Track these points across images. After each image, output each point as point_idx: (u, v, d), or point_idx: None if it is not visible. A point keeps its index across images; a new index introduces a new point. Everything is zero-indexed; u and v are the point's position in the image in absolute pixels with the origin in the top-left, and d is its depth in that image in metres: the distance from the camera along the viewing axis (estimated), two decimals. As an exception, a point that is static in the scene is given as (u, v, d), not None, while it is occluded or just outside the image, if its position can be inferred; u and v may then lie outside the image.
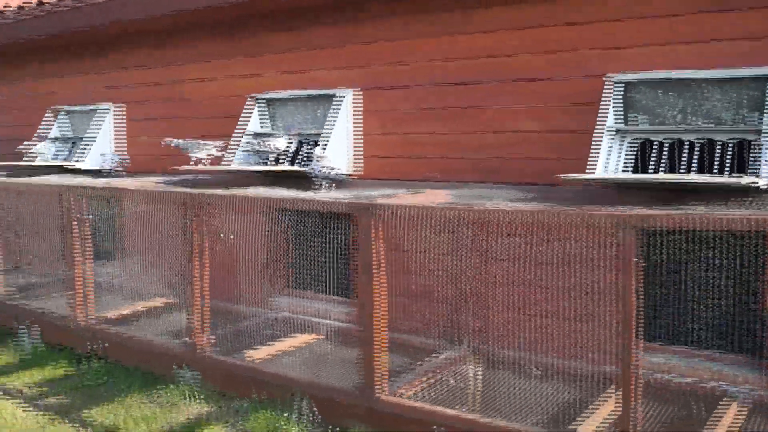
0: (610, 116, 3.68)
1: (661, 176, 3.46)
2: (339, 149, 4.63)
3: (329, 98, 4.75)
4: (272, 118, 5.11)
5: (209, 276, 4.14)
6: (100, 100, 6.25)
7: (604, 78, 3.75)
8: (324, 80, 4.88)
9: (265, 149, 4.63)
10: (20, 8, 6.14)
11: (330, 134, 4.58)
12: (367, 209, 3.43)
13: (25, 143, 6.28)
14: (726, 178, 3.23)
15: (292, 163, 4.78)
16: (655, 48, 3.71)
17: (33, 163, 6.15)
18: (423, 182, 4.38)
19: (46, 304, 5.14)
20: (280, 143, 4.64)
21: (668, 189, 3.35)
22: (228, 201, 4.02)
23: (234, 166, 4.80)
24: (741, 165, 3.38)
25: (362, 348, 3.49)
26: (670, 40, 3.67)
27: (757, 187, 3.11)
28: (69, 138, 6.40)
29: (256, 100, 5.10)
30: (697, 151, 3.52)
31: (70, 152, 6.20)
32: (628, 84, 3.72)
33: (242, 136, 5.00)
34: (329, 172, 4.24)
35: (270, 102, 5.09)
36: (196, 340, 4.15)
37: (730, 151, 3.43)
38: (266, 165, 4.75)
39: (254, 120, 5.05)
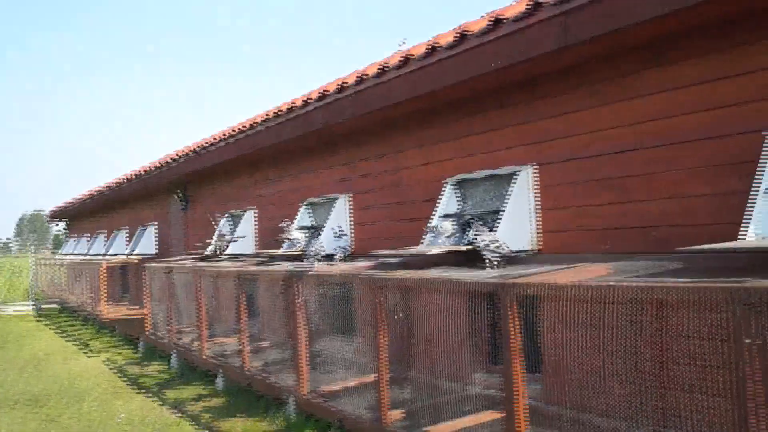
0: (765, 176, 3.24)
1: None
2: (515, 226, 4.60)
3: (508, 176, 4.76)
4: (463, 199, 5.24)
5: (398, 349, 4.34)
6: (335, 191, 6.90)
7: (763, 133, 3.33)
8: (506, 159, 4.91)
9: (437, 231, 4.76)
10: (275, 118, 7.10)
11: (504, 210, 4.59)
12: (502, 288, 3.41)
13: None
14: None
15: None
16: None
17: (287, 251, 6.94)
18: (597, 255, 4.18)
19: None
20: (446, 226, 4.75)
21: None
22: (397, 282, 4.22)
23: (413, 248, 4.98)
24: None
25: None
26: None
27: None
28: (312, 226, 7.12)
29: (448, 183, 5.28)
30: None
31: (310, 239, 6.89)
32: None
33: (435, 218, 5.20)
34: (495, 248, 4.23)
35: (460, 184, 5.24)
36: (381, 415, 4.35)
37: None
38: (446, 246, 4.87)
39: (444, 202, 5.22)
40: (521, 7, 4.08)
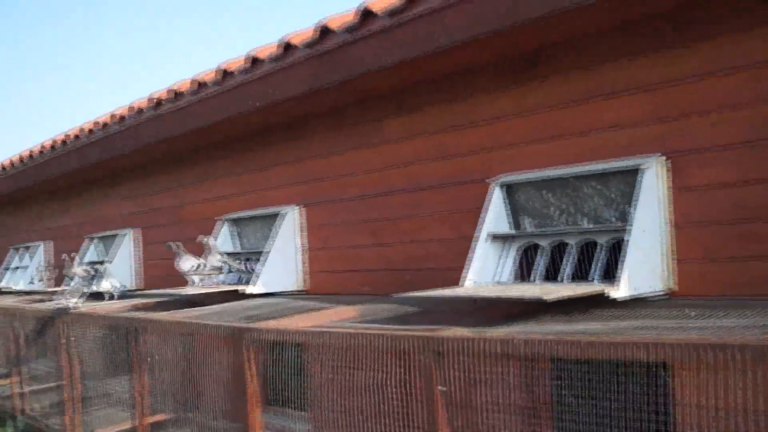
0: (488, 221, 3.34)
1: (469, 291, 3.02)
2: (283, 265, 4.53)
3: (275, 216, 4.68)
4: (239, 236, 5.11)
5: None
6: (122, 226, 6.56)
7: (487, 181, 3.44)
8: (275, 198, 4.83)
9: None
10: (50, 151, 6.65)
11: (270, 251, 4.49)
12: (240, 333, 3.30)
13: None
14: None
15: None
16: (533, 146, 3.37)
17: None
18: (356, 296, 4.16)
19: None
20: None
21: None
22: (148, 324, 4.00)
23: (179, 289, 4.78)
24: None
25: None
26: (550, 136, 3.32)
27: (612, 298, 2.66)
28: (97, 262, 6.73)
29: (224, 220, 5.13)
30: (572, 255, 3.10)
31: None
32: (510, 186, 3.38)
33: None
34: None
35: (235, 222, 5.10)
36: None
37: (603, 253, 2.99)
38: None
39: (221, 239, 5.06)
40: (272, 50, 4.03)
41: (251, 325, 3.32)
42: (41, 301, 5.91)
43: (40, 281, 7.59)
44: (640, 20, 2.92)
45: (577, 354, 1.96)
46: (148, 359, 4.08)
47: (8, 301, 6.48)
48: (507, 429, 2.33)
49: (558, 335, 2.03)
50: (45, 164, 6.81)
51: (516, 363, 2.27)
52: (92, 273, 6.34)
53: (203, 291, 4.49)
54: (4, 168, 7.72)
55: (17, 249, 8.54)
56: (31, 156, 7.00)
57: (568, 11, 2.75)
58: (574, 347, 2.01)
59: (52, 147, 6.53)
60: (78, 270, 6.30)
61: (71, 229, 7.67)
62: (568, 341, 2.05)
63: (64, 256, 6.24)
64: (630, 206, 2.83)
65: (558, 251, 3.21)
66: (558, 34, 3.11)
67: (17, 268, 8.21)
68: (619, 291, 2.60)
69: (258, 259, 4.60)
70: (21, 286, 7.83)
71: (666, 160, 2.86)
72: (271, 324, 3.35)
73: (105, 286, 5.44)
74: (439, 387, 2.46)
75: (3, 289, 7.89)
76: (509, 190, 3.39)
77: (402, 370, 2.57)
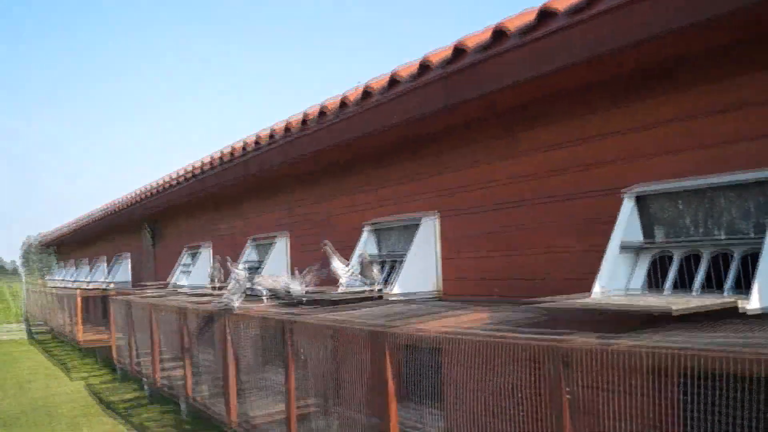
0: (620, 231, 3.26)
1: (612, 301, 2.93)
2: (417, 270, 4.64)
3: (414, 224, 4.79)
4: (379, 242, 5.27)
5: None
6: (275, 231, 6.92)
7: (621, 192, 3.36)
8: (414, 208, 4.96)
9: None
10: (220, 164, 7.14)
11: (407, 256, 4.62)
12: (381, 336, 3.43)
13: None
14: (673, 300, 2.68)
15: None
16: (664, 157, 3.27)
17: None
18: (487, 301, 4.19)
19: None
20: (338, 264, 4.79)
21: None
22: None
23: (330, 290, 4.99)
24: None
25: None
26: (684, 147, 3.21)
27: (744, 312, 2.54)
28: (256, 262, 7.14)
29: (366, 228, 5.31)
30: (704, 265, 2.97)
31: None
32: (644, 197, 3.29)
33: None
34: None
35: (376, 229, 5.27)
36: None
37: (737, 264, 2.85)
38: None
39: (362, 245, 5.24)
40: (413, 68, 4.14)
41: (391, 329, 3.42)
42: (209, 299, 6.35)
43: (210, 280, 8.10)
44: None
45: (701, 367, 1.91)
46: (300, 356, 4.31)
47: (182, 299, 7.02)
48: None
49: (682, 348, 1.98)
50: (214, 176, 7.33)
51: (641, 374, 2.22)
52: (249, 274, 6.74)
53: (347, 294, 4.68)
54: (179, 178, 8.37)
55: (189, 248, 9.21)
56: (202, 168, 7.56)
57: (700, 25, 2.67)
58: (699, 361, 1.95)
59: (216, 161, 7.01)
60: (239, 271, 6.72)
61: (232, 234, 8.19)
62: (692, 354, 2.00)
63: (227, 258, 6.68)
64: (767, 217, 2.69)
65: (690, 262, 3.10)
66: (695, 45, 3.00)
67: (189, 266, 8.83)
68: (752, 303, 2.48)
69: (395, 263, 4.74)
70: (188, 282, 8.41)
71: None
72: (410, 328, 3.45)
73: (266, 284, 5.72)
74: (567, 395, 2.46)
75: (176, 287, 8.52)
76: (642, 200, 3.30)
77: (530, 376, 2.58)
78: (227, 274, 6.93)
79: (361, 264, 4.88)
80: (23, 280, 26.65)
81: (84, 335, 11.80)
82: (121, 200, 11.51)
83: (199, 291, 7.55)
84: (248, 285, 5.92)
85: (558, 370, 2.45)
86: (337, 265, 4.94)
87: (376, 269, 4.89)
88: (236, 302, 5.24)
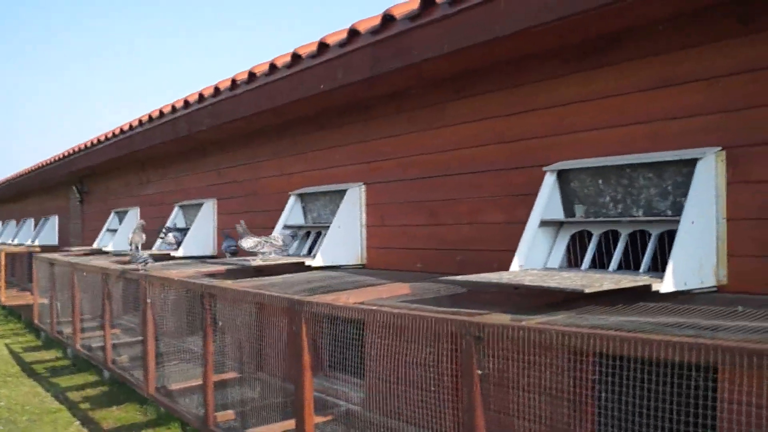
0: (540, 207, 3.17)
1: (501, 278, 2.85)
2: (342, 239, 4.48)
3: (340, 193, 4.62)
4: (306, 210, 5.08)
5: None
6: (203, 196, 6.63)
7: (543, 169, 3.27)
8: (340, 176, 4.78)
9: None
10: (148, 122, 6.78)
11: (332, 226, 4.45)
12: (298, 305, 3.27)
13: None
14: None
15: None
16: (591, 133, 3.18)
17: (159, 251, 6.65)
18: (410, 273, 4.08)
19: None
20: (249, 242, 4.60)
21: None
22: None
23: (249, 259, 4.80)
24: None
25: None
26: (606, 124, 3.12)
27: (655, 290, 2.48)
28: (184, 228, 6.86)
29: (292, 195, 5.11)
30: (622, 244, 2.91)
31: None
32: (565, 173, 3.20)
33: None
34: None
35: (303, 197, 5.08)
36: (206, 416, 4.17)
37: (654, 244, 2.79)
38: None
39: (288, 212, 5.05)
40: (343, 35, 3.94)
41: (307, 298, 3.27)
42: (127, 262, 6.07)
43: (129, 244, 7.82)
44: (706, 9, 2.68)
45: (611, 350, 1.82)
46: (218, 323, 4.12)
47: (102, 261, 6.69)
48: (536, 409, 2.22)
49: (594, 328, 1.89)
50: (138, 135, 6.97)
51: (551, 351, 2.14)
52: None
53: (270, 262, 4.49)
54: (107, 138, 7.96)
55: (116, 212, 8.83)
56: (131, 127, 7.18)
57: (621, 4, 2.56)
58: (609, 342, 1.86)
59: (144, 121, 6.66)
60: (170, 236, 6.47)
61: (161, 197, 7.86)
62: (603, 335, 1.91)
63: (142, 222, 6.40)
64: (684, 198, 2.63)
65: (609, 239, 3.04)
66: (627, 20, 2.89)
67: (115, 230, 8.47)
68: (665, 284, 2.42)
69: (321, 232, 4.58)
70: (113, 246, 8.08)
71: (722, 152, 2.63)
72: (326, 298, 3.30)
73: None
74: (478, 371, 2.36)
75: (102, 249, 8.17)
76: (564, 177, 3.21)
77: (445, 350, 2.48)
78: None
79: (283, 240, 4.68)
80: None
81: (7, 294, 11.24)
82: (48, 159, 10.94)
83: (123, 254, 7.23)
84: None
85: (470, 345, 2.34)
86: (247, 242, 4.68)
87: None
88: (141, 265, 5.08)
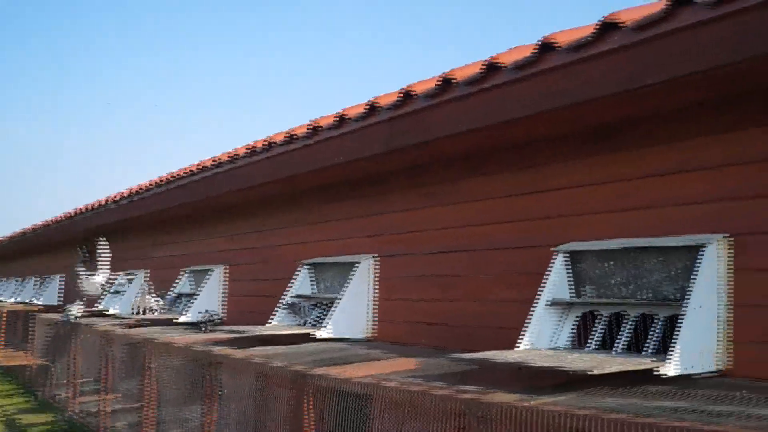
0: (549, 287, 3.30)
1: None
2: (351, 311, 4.60)
3: (351, 264, 4.76)
4: (316, 280, 5.22)
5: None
6: (214, 262, 6.81)
7: (552, 249, 3.41)
8: (352, 248, 4.93)
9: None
10: (164, 185, 7.02)
11: (342, 297, 4.58)
12: (302, 377, 3.36)
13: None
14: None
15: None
16: (601, 216, 3.33)
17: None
18: (418, 348, 4.17)
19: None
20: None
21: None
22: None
23: (256, 326, 4.91)
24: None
25: None
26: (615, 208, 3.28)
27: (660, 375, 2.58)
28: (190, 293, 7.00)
29: (303, 265, 5.25)
30: (629, 326, 3.01)
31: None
32: (574, 254, 3.34)
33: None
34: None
35: (314, 266, 5.22)
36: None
37: (660, 328, 2.89)
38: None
39: (298, 282, 5.18)
40: (361, 109, 4.16)
41: (312, 370, 3.36)
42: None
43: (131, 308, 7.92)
44: (702, 104, 2.88)
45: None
46: (220, 391, 4.19)
47: (107, 324, 6.80)
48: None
49: (592, 411, 1.99)
50: (149, 199, 7.19)
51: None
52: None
53: (277, 332, 4.60)
54: (114, 200, 8.19)
55: (124, 274, 8.97)
56: (139, 191, 7.42)
57: (635, 94, 2.75)
58: (611, 425, 1.96)
59: (159, 183, 6.90)
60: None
61: (170, 261, 8.02)
62: (609, 419, 2.00)
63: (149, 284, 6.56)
64: (690, 283, 2.75)
65: (617, 321, 3.14)
66: (628, 111, 3.09)
67: (121, 293, 8.57)
68: (670, 368, 2.52)
69: (331, 303, 4.70)
70: (119, 308, 8.19)
71: (728, 239, 2.77)
72: (333, 371, 3.39)
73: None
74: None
75: (104, 312, 8.28)
76: (573, 257, 3.34)
77: (451, 429, 2.55)
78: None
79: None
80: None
81: (4, 353, 11.33)
82: (54, 218, 11.20)
83: (126, 317, 7.35)
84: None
85: (474, 426, 2.43)
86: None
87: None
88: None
